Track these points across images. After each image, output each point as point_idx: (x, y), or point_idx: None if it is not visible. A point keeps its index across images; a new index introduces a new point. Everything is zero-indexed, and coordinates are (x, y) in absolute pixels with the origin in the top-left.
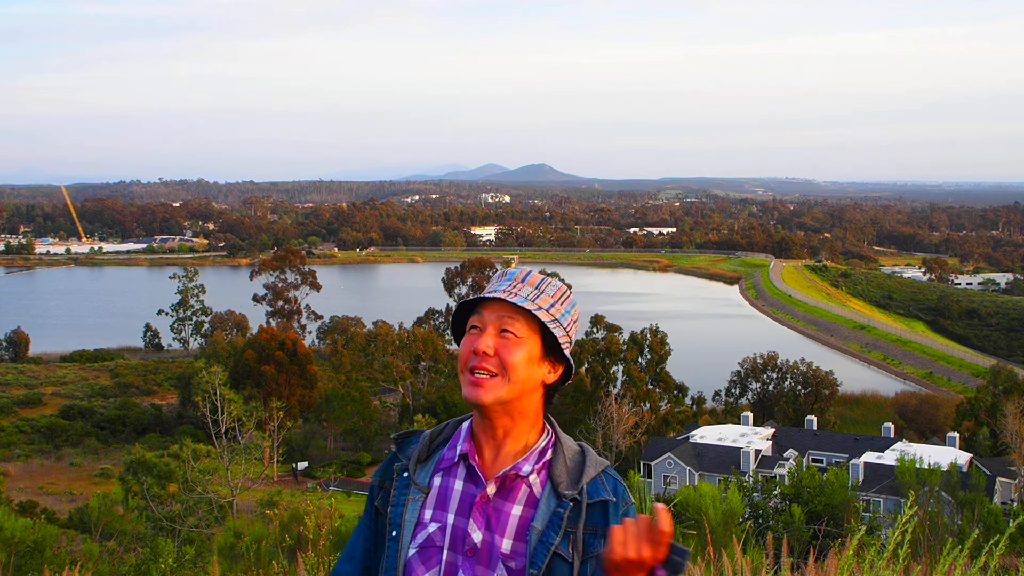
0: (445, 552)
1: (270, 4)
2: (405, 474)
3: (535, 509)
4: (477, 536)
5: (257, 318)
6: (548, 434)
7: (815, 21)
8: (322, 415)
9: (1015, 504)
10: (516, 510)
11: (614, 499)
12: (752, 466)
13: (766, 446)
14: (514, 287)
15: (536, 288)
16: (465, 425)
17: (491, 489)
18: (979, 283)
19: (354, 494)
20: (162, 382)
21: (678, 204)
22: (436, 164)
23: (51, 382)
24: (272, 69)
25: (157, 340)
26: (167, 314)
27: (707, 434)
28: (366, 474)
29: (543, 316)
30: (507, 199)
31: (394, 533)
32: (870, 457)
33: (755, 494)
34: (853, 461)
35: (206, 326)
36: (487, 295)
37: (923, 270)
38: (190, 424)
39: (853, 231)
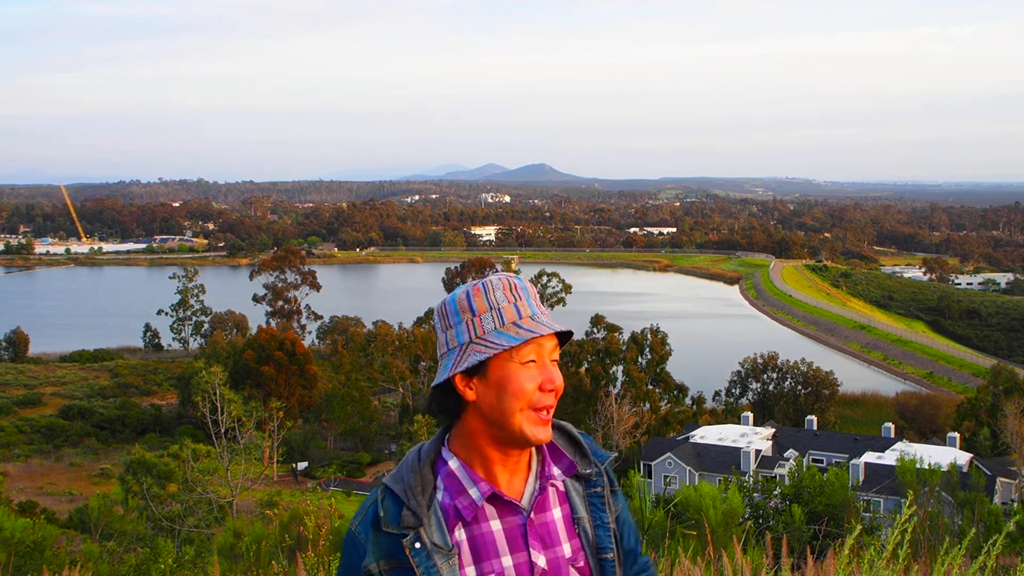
0: None
1: (270, 4)
2: (418, 544)
3: (569, 503)
4: (542, 560)
5: (257, 318)
6: None
7: (815, 21)
8: (322, 415)
9: (1015, 504)
10: (556, 514)
11: (612, 454)
12: (752, 466)
13: (766, 446)
14: (540, 305)
15: (542, 299)
16: (455, 465)
17: (533, 512)
18: (979, 283)
19: (354, 494)
20: (162, 382)
21: (678, 204)
22: (436, 164)
23: (51, 382)
24: (272, 69)
25: (157, 340)
26: (167, 314)
27: (707, 434)
28: (366, 474)
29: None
30: (507, 199)
31: None
32: (870, 457)
33: (755, 494)
34: (853, 461)
35: (206, 326)
36: (554, 329)
37: (923, 270)
38: (190, 424)
39: (853, 231)
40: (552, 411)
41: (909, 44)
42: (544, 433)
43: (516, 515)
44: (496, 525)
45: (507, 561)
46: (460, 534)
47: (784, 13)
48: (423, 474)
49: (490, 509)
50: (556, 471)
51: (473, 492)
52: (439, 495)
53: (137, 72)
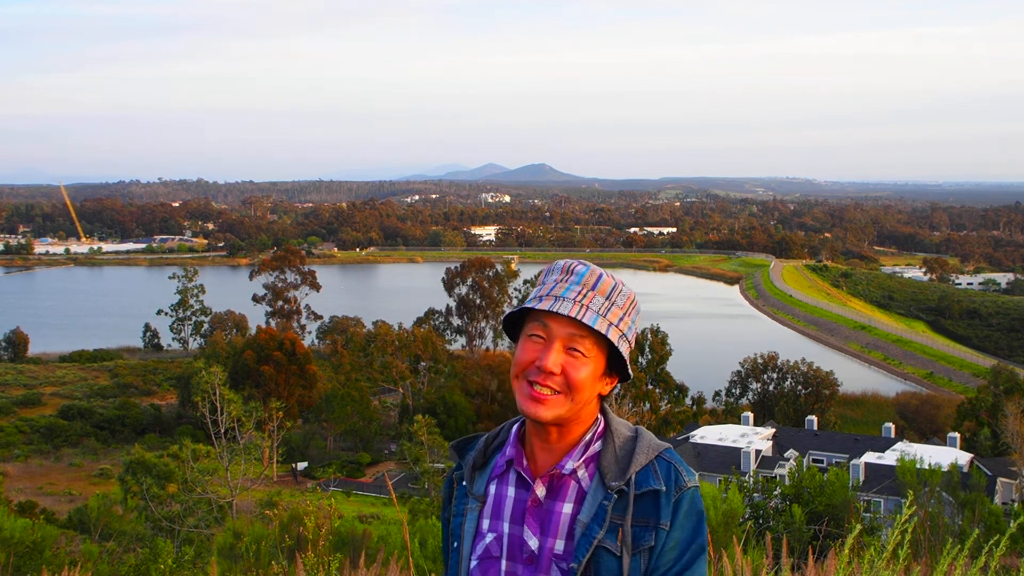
0: (504, 563)
1: (270, 4)
2: (464, 482)
3: (582, 504)
4: (534, 542)
5: (257, 318)
6: (597, 424)
7: (815, 21)
8: (322, 415)
9: (1016, 504)
10: (566, 508)
11: (664, 488)
12: (752, 466)
13: (766, 446)
14: (584, 295)
15: (607, 299)
16: (515, 427)
17: (540, 491)
18: (980, 283)
19: (354, 494)
20: (161, 382)
21: (678, 204)
22: (436, 164)
23: (50, 382)
24: (272, 69)
25: (156, 340)
26: (167, 314)
27: (707, 434)
28: (366, 474)
29: (613, 335)
30: (507, 199)
31: (455, 544)
32: (871, 457)
33: (755, 494)
34: (854, 461)
35: (205, 326)
36: (559, 311)
37: (924, 270)
38: (190, 424)
39: (853, 231)
40: (554, 393)
41: (909, 44)
42: (532, 409)
43: (526, 490)
44: (511, 492)
45: (506, 527)
46: (492, 488)
47: (784, 13)
48: (503, 430)
49: (513, 475)
50: (570, 465)
51: (507, 453)
52: (501, 450)
53: (137, 72)
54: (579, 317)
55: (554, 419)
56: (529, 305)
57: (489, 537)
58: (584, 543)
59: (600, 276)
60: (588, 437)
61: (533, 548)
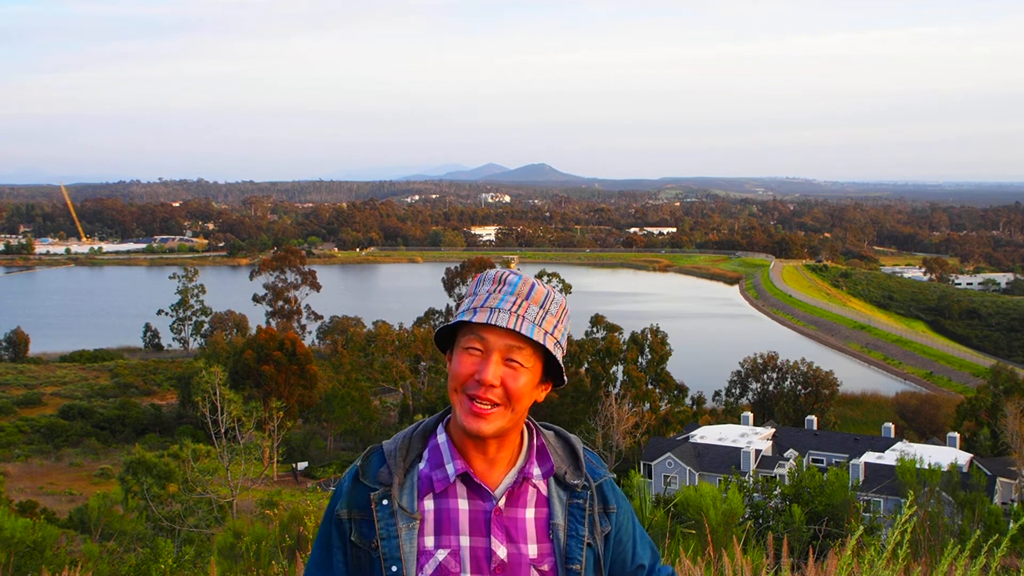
0: None
1: (270, 4)
2: (385, 501)
3: (548, 507)
4: (503, 551)
5: (257, 318)
6: (533, 430)
7: (815, 21)
8: (322, 415)
9: (1016, 504)
10: (530, 514)
11: (610, 477)
12: (752, 466)
13: (766, 446)
14: (519, 304)
15: (541, 307)
16: (442, 440)
17: (503, 502)
18: (979, 283)
19: None
20: (162, 382)
21: (678, 204)
22: (436, 164)
23: (51, 382)
24: (272, 69)
25: (157, 340)
26: (167, 314)
27: (707, 434)
28: None
29: (549, 343)
30: (507, 199)
31: (394, 568)
32: (870, 457)
33: (755, 494)
34: (853, 461)
35: (206, 326)
36: (497, 323)
37: (923, 270)
38: (190, 424)
39: (853, 231)
40: (494, 407)
41: (908, 44)
42: (473, 424)
43: (485, 501)
44: (463, 504)
45: (465, 541)
46: (428, 504)
47: (784, 13)
48: (412, 441)
49: (461, 488)
50: (536, 471)
51: (449, 467)
52: (421, 464)
53: (137, 72)
54: (517, 329)
55: (495, 432)
56: (464, 318)
57: (441, 554)
58: (575, 544)
59: (533, 285)
60: (536, 443)
61: (503, 557)
